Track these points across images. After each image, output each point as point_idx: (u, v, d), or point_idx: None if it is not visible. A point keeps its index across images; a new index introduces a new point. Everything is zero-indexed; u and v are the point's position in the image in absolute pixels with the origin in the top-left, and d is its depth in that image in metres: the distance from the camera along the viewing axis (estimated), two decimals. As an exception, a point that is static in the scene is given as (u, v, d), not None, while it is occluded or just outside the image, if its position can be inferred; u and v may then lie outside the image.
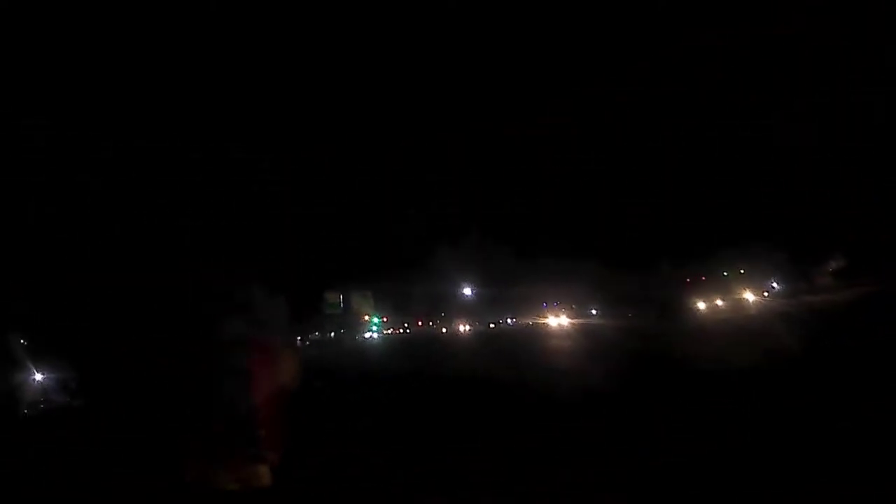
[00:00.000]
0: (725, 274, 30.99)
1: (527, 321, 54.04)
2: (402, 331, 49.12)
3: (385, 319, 47.95)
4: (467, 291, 46.84)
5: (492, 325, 50.78)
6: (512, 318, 53.60)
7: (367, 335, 43.93)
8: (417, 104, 23.46)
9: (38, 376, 16.86)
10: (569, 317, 48.90)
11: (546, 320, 54.10)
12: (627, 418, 7.43)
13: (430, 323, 50.41)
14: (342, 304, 45.10)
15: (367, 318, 44.03)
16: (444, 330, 47.91)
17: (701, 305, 30.65)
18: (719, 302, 30.62)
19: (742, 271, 30.50)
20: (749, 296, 30.16)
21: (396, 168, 27.76)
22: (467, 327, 48.35)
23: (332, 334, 42.33)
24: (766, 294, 30.06)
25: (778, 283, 30.09)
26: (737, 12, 22.65)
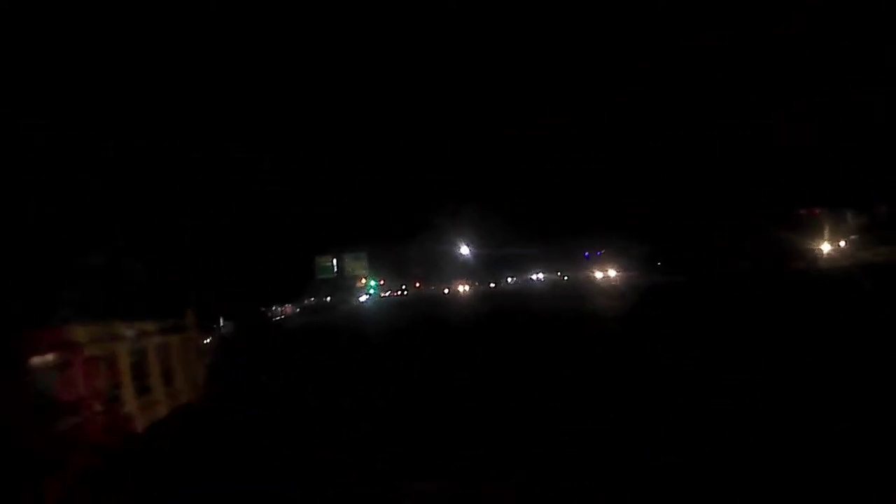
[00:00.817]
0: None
1: (528, 278, 54.27)
2: (399, 293, 47.74)
3: (382, 282, 46.06)
4: (466, 251, 45.63)
5: (492, 285, 50.23)
6: (511, 277, 53.76)
7: (364, 299, 42.99)
8: (418, 104, 23.48)
9: None
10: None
11: (594, 274, 54.29)
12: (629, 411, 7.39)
13: (431, 286, 49.14)
14: (335, 269, 42.96)
15: (363, 281, 41.59)
16: (445, 291, 46.87)
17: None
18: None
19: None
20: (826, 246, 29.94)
21: (396, 168, 27.84)
22: (466, 287, 47.38)
23: (328, 299, 40.13)
24: (842, 245, 29.56)
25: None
26: (737, 12, 22.69)
